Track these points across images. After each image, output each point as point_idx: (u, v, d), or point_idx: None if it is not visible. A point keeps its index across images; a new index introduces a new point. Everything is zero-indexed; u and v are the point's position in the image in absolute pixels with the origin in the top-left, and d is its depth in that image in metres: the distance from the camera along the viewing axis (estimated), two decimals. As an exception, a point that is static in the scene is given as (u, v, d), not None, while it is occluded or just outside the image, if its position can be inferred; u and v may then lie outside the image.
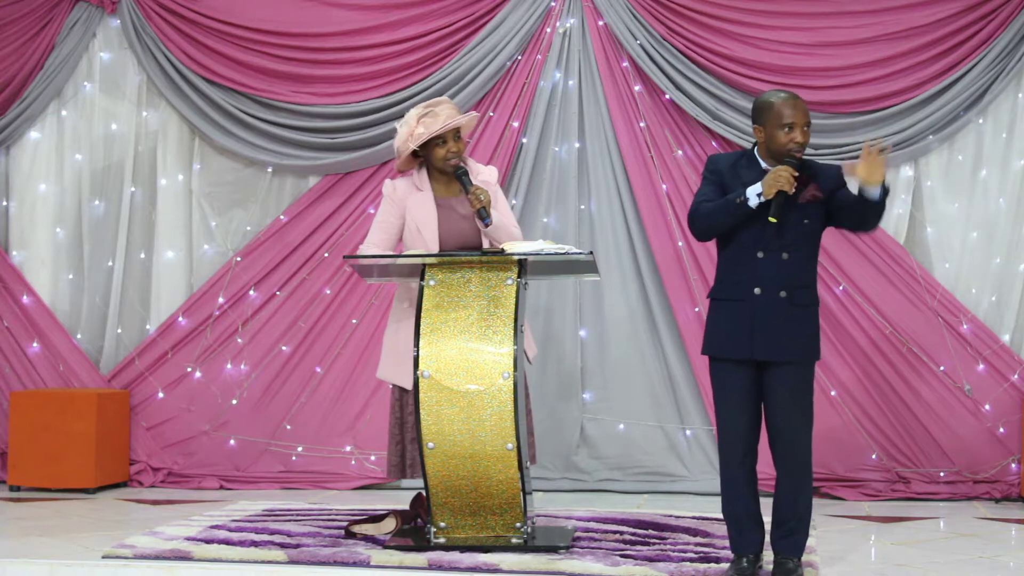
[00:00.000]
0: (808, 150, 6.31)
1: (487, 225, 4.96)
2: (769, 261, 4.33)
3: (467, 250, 5.02)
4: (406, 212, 5.09)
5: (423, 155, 5.10)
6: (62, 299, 7.25)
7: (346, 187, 6.94)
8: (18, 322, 7.15)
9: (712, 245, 6.42)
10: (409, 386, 4.95)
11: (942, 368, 6.44)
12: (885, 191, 4.27)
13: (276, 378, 6.94)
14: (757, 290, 4.32)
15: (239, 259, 6.98)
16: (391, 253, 5.06)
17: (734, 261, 4.40)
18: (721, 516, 4.53)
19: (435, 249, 5.02)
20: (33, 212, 7.28)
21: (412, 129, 5.02)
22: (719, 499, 4.51)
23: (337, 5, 7.00)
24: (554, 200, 6.83)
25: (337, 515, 5.67)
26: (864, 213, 4.33)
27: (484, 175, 5.14)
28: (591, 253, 4.80)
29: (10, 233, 7.30)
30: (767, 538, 4.49)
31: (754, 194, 4.29)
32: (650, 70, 6.66)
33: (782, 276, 4.33)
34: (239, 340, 6.97)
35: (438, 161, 5.05)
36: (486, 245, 5.09)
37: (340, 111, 6.96)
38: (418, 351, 4.76)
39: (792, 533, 4.40)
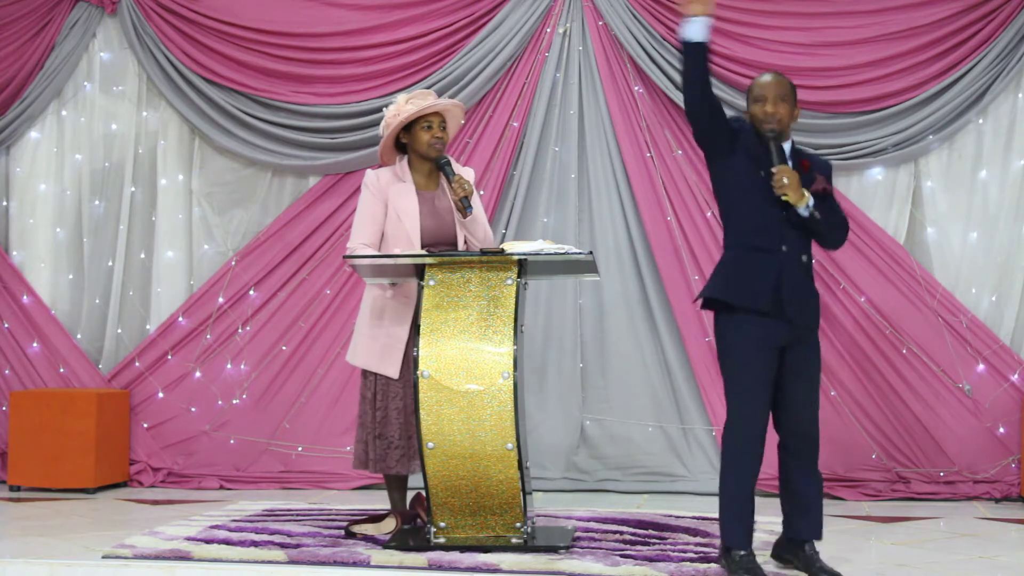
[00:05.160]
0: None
1: (468, 214, 4.97)
2: (791, 224, 4.25)
3: (466, 250, 5.04)
4: (388, 201, 5.07)
5: (408, 141, 5.10)
6: (62, 299, 7.25)
7: (346, 187, 6.94)
8: (18, 322, 7.16)
9: (713, 246, 6.48)
10: (395, 375, 4.97)
11: (942, 368, 6.44)
12: (813, 215, 4.22)
13: (276, 378, 6.95)
14: (784, 247, 4.23)
15: (238, 259, 6.98)
16: (392, 253, 5.05)
17: (756, 215, 4.26)
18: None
19: (416, 239, 5.01)
20: (33, 212, 7.28)
21: (400, 108, 5.03)
22: (719, 499, 4.43)
23: (337, 5, 7.00)
24: (554, 200, 6.82)
25: (337, 515, 5.67)
26: (812, 229, 4.30)
27: (462, 172, 5.15)
28: (591, 253, 4.79)
29: (10, 233, 7.30)
30: (779, 529, 4.50)
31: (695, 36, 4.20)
32: (650, 70, 6.66)
33: (802, 240, 4.28)
34: (239, 340, 6.98)
35: (422, 145, 5.05)
36: (461, 239, 5.10)
37: (340, 111, 6.96)
38: (418, 351, 4.76)
39: (819, 515, 4.39)
